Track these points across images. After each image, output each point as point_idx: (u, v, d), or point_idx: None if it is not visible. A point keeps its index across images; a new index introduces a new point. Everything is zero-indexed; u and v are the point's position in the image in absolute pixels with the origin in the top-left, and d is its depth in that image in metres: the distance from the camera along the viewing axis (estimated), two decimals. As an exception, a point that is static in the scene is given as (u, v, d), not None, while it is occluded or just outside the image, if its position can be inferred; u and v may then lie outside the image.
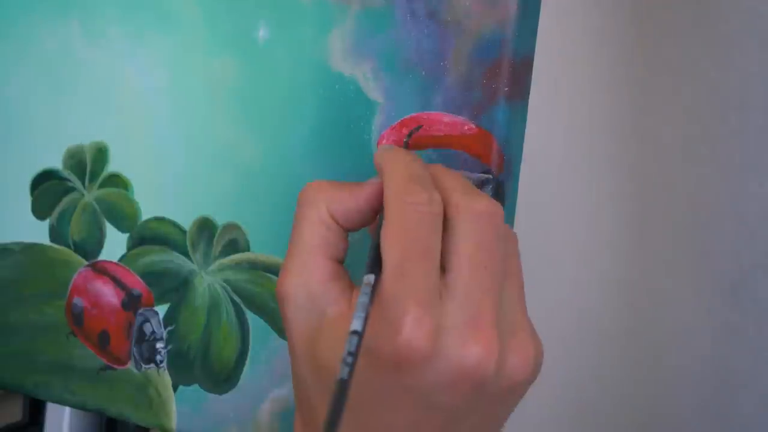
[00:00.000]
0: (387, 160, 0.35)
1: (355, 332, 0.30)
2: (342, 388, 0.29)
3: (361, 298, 0.31)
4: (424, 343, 0.31)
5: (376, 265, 0.33)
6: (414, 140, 0.40)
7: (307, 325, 0.34)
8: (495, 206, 0.34)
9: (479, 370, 0.31)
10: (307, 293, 0.34)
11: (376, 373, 0.32)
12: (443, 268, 0.33)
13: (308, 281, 0.34)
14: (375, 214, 0.36)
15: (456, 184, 0.34)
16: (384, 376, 0.32)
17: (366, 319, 0.31)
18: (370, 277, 0.32)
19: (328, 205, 0.35)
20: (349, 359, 0.29)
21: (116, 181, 0.46)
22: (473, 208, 0.33)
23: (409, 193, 0.33)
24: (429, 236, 0.33)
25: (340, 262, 0.36)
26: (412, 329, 0.31)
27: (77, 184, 0.47)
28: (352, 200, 0.36)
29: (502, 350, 0.32)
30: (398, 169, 0.35)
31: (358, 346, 0.30)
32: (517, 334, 0.33)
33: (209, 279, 0.44)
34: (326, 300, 0.34)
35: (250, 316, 0.44)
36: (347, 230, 0.36)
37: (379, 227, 0.34)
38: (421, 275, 0.32)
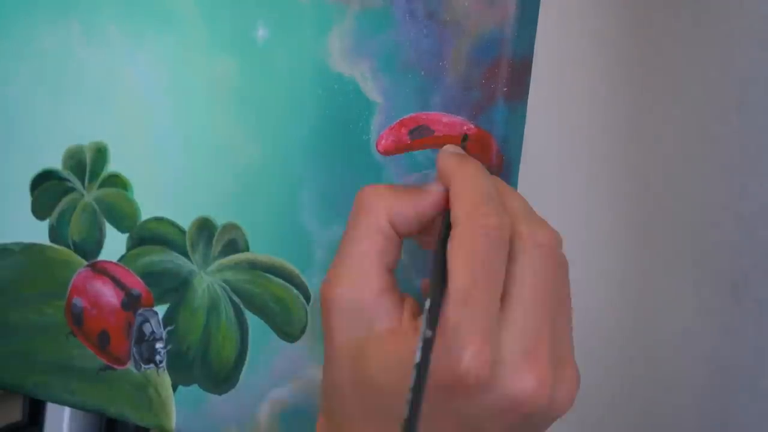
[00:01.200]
0: (457, 170, 0.34)
1: (417, 365, 0.30)
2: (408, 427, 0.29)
3: (424, 327, 0.31)
4: (482, 373, 0.31)
5: (440, 283, 0.32)
6: (416, 141, 0.40)
7: (353, 335, 0.33)
8: (556, 237, 0.33)
9: (531, 403, 0.31)
10: (357, 304, 0.33)
11: (427, 396, 0.31)
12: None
13: (360, 292, 0.33)
14: (432, 222, 0.35)
15: (520, 208, 0.34)
16: (435, 399, 0.31)
17: (429, 352, 0.30)
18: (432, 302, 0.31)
19: (389, 213, 0.34)
20: (412, 397, 0.29)
21: (116, 181, 0.46)
22: (537, 239, 0.33)
23: (481, 215, 0.32)
24: (496, 263, 0.32)
25: (393, 271, 0.35)
26: (472, 359, 0.30)
27: (77, 184, 0.47)
28: (413, 209, 0.34)
29: (553, 384, 0.32)
30: (470, 185, 0.34)
31: (422, 382, 0.30)
32: (565, 366, 0.33)
33: (208, 279, 0.44)
34: (377, 313, 0.33)
35: (250, 317, 0.44)
36: (404, 237, 0.35)
37: (443, 241, 0.33)
38: (485, 303, 0.31)
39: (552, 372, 0.32)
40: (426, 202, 0.35)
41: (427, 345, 0.30)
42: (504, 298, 0.32)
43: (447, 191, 0.35)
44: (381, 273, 0.34)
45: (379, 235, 0.34)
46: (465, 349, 0.30)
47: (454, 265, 0.32)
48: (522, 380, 0.31)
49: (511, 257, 0.33)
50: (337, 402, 0.34)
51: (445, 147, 0.37)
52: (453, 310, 0.31)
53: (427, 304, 0.31)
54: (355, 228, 0.34)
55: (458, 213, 0.33)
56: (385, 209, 0.34)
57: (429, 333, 0.30)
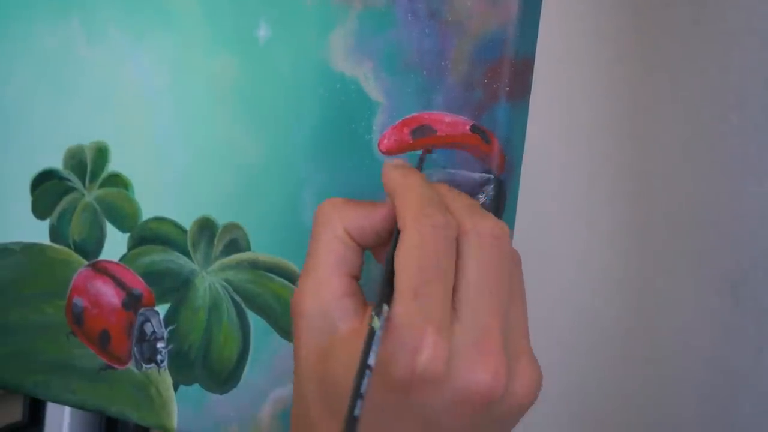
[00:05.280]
0: (399, 181, 0.35)
1: (368, 367, 0.30)
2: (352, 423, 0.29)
3: (376, 325, 0.31)
4: (439, 368, 0.31)
5: (388, 287, 0.32)
6: (418, 140, 0.40)
7: (318, 344, 0.34)
8: (501, 228, 0.34)
9: (487, 395, 0.32)
10: (321, 308, 0.34)
11: (385, 392, 0.32)
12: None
13: (322, 298, 0.34)
14: (390, 235, 0.36)
15: (463, 205, 0.35)
16: (393, 395, 0.32)
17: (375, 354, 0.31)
18: (385, 308, 0.32)
19: (344, 222, 0.35)
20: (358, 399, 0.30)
21: (116, 180, 0.46)
22: (480, 231, 0.33)
23: (425, 215, 0.33)
24: (445, 259, 0.33)
25: (356, 278, 0.36)
26: (428, 354, 0.31)
27: (77, 183, 0.47)
28: (367, 220, 0.36)
29: (507, 375, 0.32)
30: (412, 191, 0.35)
31: (362, 374, 0.30)
32: (520, 358, 0.34)
33: (210, 279, 0.44)
34: (339, 315, 0.34)
35: (251, 316, 0.44)
36: (363, 248, 0.36)
37: (392, 250, 0.34)
38: (436, 298, 0.32)
39: (506, 363, 0.32)
40: (377, 214, 0.36)
41: (371, 337, 0.31)
42: (454, 292, 0.33)
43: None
44: (342, 278, 0.35)
45: (337, 244, 0.35)
46: (421, 342, 0.31)
47: (404, 265, 0.32)
48: (475, 372, 0.32)
49: (458, 253, 0.33)
50: (304, 404, 0.35)
51: (387, 162, 0.38)
52: (404, 305, 0.32)
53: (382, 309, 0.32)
54: (316, 240, 0.36)
55: (404, 217, 0.34)
56: (341, 220, 0.36)
57: (374, 326, 0.31)
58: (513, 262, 0.35)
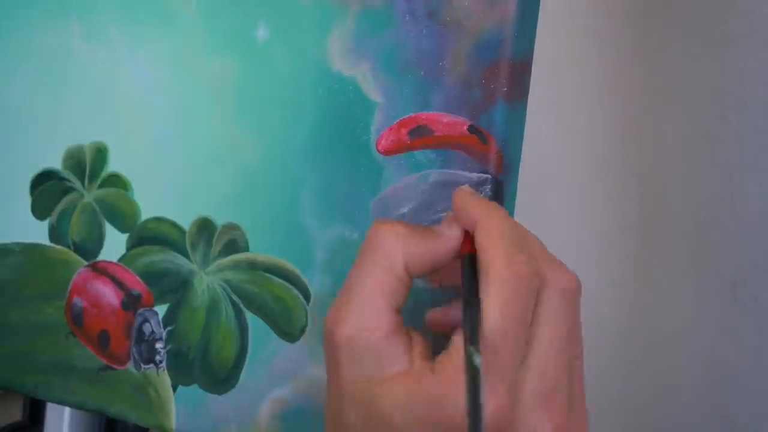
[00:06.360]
0: (483, 216, 0.34)
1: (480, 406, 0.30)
2: None
3: (478, 364, 0.31)
4: (502, 421, 0.31)
5: (476, 325, 0.32)
6: (416, 141, 0.40)
7: (362, 374, 0.33)
8: (577, 282, 0.34)
9: None
10: (368, 344, 0.33)
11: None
12: None
13: (370, 333, 0.33)
14: (449, 263, 0.35)
15: (541, 253, 0.34)
16: None
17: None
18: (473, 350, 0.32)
19: (407, 258, 0.34)
20: None
21: (116, 181, 0.46)
22: (560, 285, 0.33)
23: (513, 263, 0.32)
24: (527, 310, 0.32)
25: (400, 311, 0.35)
26: (495, 411, 0.31)
27: (77, 184, 0.47)
28: (431, 255, 0.34)
29: (567, 428, 0.33)
30: (498, 232, 0.34)
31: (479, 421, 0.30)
32: (578, 408, 0.34)
33: (208, 279, 0.44)
34: (388, 356, 0.33)
35: (250, 317, 0.44)
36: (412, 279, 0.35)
37: (469, 282, 0.33)
38: (512, 351, 0.32)
39: (567, 415, 0.32)
40: (444, 247, 0.35)
41: (477, 377, 0.31)
42: (527, 340, 0.33)
43: (462, 234, 0.35)
44: (391, 315, 0.34)
45: (391, 277, 0.34)
46: (490, 400, 0.31)
47: (489, 314, 0.32)
48: (538, 426, 0.32)
49: (536, 301, 0.33)
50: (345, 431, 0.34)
51: (462, 188, 0.37)
52: (483, 358, 0.31)
53: (462, 352, 0.32)
54: (368, 266, 0.34)
55: (492, 261, 0.33)
56: (403, 253, 0.34)
57: (477, 366, 0.31)
58: (579, 313, 0.34)
